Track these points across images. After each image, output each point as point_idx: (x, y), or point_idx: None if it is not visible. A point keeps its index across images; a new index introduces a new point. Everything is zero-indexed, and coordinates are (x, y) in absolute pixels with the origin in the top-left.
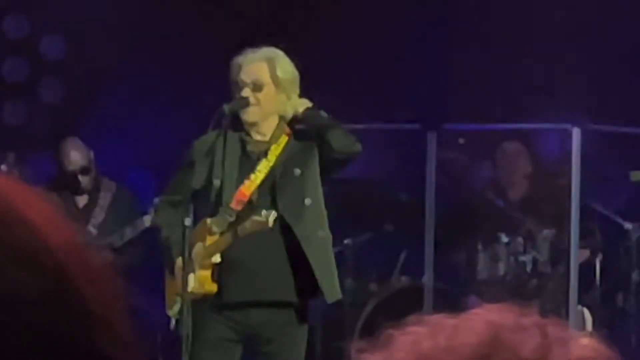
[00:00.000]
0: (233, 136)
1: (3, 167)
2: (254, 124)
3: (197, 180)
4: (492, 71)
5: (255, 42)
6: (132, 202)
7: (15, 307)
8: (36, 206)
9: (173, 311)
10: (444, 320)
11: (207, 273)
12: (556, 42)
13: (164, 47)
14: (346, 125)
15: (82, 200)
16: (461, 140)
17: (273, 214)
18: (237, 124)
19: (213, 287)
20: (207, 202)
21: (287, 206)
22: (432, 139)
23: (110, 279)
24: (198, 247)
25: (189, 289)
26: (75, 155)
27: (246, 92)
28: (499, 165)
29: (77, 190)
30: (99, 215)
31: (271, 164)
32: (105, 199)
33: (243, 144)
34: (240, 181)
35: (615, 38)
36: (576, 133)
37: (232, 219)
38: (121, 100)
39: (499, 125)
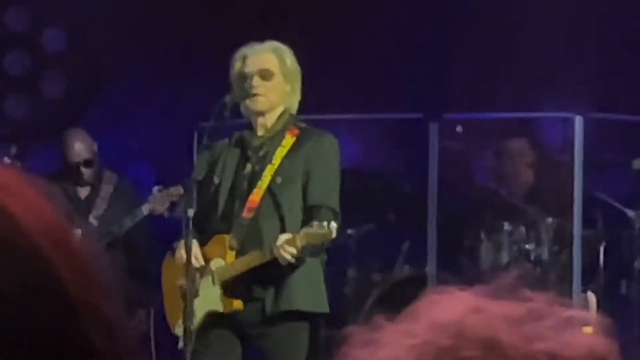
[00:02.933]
0: (236, 136)
1: (5, 159)
2: (261, 113)
3: (199, 172)
4: (494, 60)
5: (258, 34)
6: (133, 194)
7: None
8: (18, 194)
9: (181, 329)
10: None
11: (231, 290)
12: (558, 30)
13: (165, 40)
14: (348, 115)
15: (83, 192)
16: (459, 128)
17: (333, 225)
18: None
19: (240, 305)
20: (205, 200)
21: (290, 211)
22: (434, 128)
23: (96, 266)
24: (218, 263)
25: (214, 307)
26: (79, 147)
27: (256, 81)
28: (501, 155)
29: (79, 182)
30: (100, 206)
31: (275, 167)
32: (106, 190)
33: (244, 143)
34: (235, 183)
35: (618, 26)
36: (579, 121)
37: (245, 231)
38: (122, 93)
39: (502, 114)
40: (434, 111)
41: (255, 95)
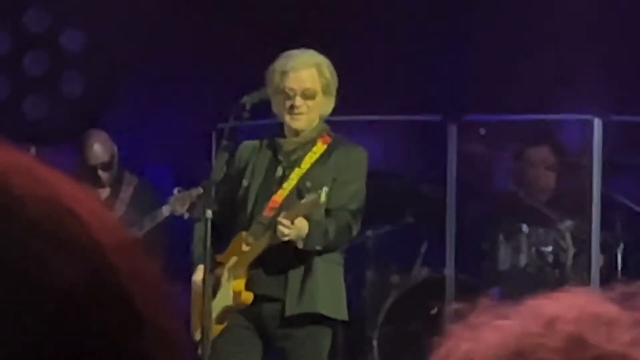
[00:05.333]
0: (268, 140)
1: None
2: (301, 131)
3: (217, 172)
4: (513, 62)
5: (279, 36)
6: (153, 196)
7: (61, 301)
8: (86, 203)
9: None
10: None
11: (242, 283)
12: (578, 32)
13: (185, 41)
14: (366, 117)
15: (103, 194)
16: (482, 131)
17: (324, 190)
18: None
19: (249, 297)
20: (234, 205)
21: (316, 216)
22: (453, 130)
23: (160, 280)
24: (232, 261)
25: (229, 302)
26: (98, 149)
27: (299, 101)
28: (520, 157)
29: (98, 184)
30: (119, 209)
31: (303, 171)
32: (126, 192)
33: (275, 147)
34: (265, 185)
35: (637, 28)
36: (597, 124)
37: (262, 229)
38: (141, 94)
39: (520, 116)
40: (453, 113)
41: (297, 114)
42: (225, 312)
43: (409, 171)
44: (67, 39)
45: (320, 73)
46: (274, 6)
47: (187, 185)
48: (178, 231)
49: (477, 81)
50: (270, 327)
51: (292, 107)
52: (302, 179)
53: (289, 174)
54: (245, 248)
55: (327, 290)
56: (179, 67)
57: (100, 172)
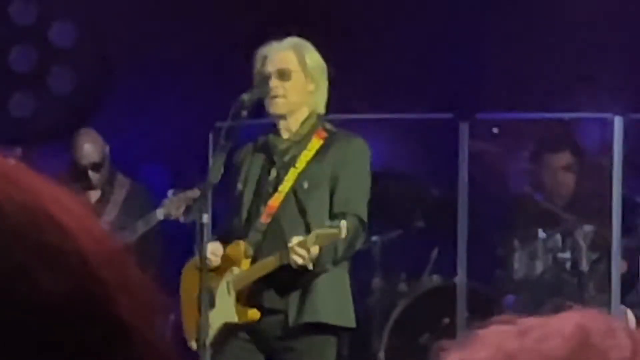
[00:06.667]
0: (261, 140)
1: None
2: (282, 117)
3: (215, 175)
4: (528, 57)
5: (282, 31)
6: (147, 200)
7: (43, 314)
8: (70, 209)
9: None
10: (531, 321)
11: (247, 299)
12: (596, 28)
13: (180, 35)
14: (375, 115)
15: (94, 196)
16: (495, 130)
17: (343, 223)
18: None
19: (256, 315)
20: (231, 207)
21: (317, 218)
22: (465, 129)
23: (148, 290)
24: (233, 272)
25: (229, 319)
26: (89, 149)
27: (274, 82)
28: (535, 157)
29: (89, 186)
30: (111, 211)
31: (299, 171)
32: (118, 195)
33: (268, 147)
34: (259, 189)
35: None
36: (618, 122)
37: (261, 236)
38: (135, 91)
39: (536, 114)
40: (466, 111)
41: (274, 97)
42: (231, 329)
43: (418, 172)
44: (56, 32)
45: (298, 55)
46: (275, 3)
47: (183, 187)
48: (173, 236)
49: (491, 77)
50: (272, 340)
51: (269, 89)
52: (299, 179)
53: (284, 176)
54: (245, 262)
55: (330, 297)
56: (175, 61)
57: (91, 173)
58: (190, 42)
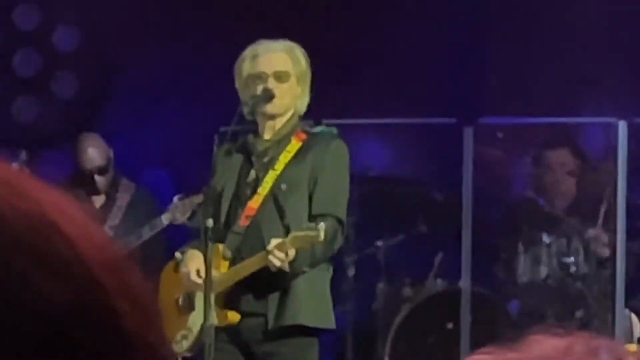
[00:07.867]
0: (240, 140)
1: (15, 165)
2: (274, 117)
3: (218, 182)
4: (532, 61)
5: (281, 36)
6: (151, 205)
7: (45, 322)
8: (72, 216)
9: (183, 347)
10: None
11: (226, 302)
12: (600, 32)
13: (184, 39)
14: (378, 120)
15: (98, 201)
16: (500, 135)
17: (322, 226)
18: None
19: (236, 317)
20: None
21: (296, 220)
22: (469, 133)
23: (150, 297)
24: (213, 274)
25: (215, 322)
26: (93, 153)
27: (271, 84)
28: (540, 162)
29: (93, 190)
30: (116, 216)
31: (278, 173)
32: (123, 199)
33: (248, 148)
34: (238, 191)
35: None
36: (622, 126)
37: (239, 240)
38: (139, 95)
39: (540, 118)
40: (469, 115)
41: (272, 97)
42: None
43: (422, 177)
44: (59, 37)
45: (294, 58)
46: (282, 6)
47: (188, 191)
48: (178, 241)
49: (495, 82)
50: (252, 343)
51: (267, 89)
52: (277, 181)
53: (263, 177)
54: (224, 264)
55: (309, 299)
56: (178, 65)
57: (96, 177)
58: (193, 46)
